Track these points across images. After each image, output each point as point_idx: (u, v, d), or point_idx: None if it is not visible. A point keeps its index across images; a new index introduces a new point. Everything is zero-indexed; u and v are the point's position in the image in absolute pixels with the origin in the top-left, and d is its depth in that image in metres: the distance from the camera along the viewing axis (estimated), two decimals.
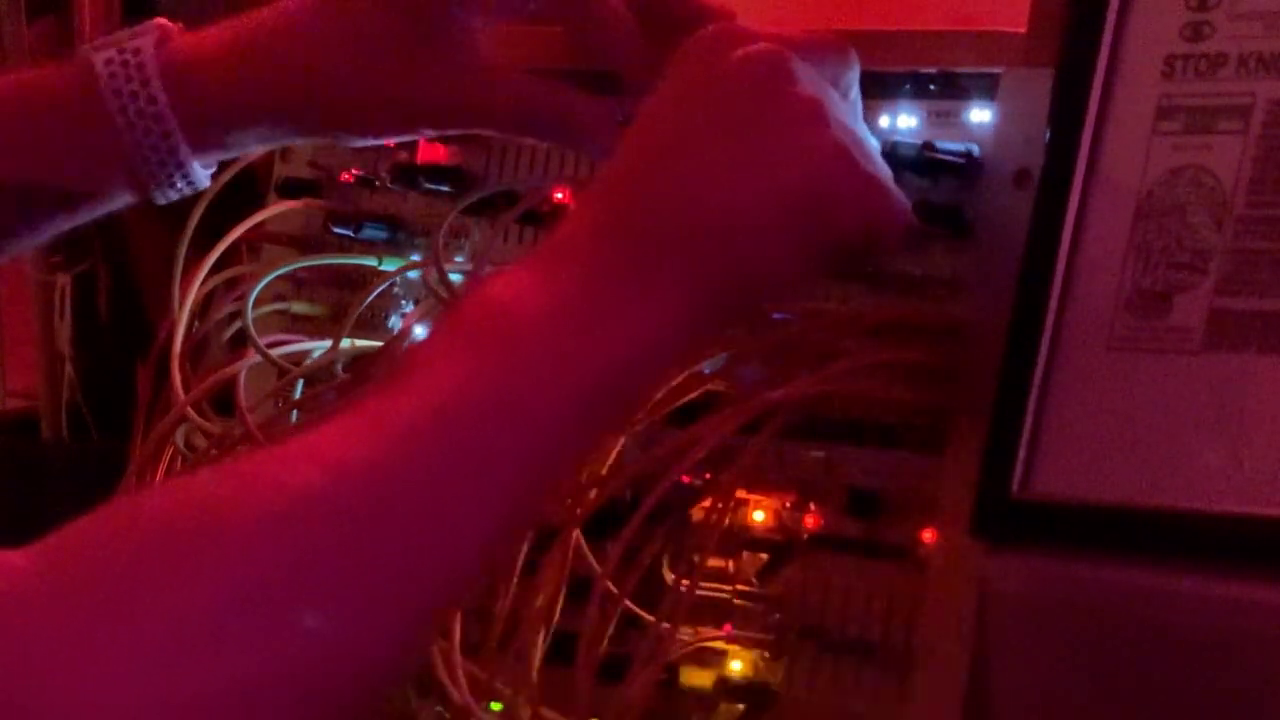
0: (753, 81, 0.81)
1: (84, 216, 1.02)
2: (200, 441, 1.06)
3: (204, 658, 0.65)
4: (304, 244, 1.14)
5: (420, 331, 1.03)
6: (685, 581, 0.88)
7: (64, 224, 1.02)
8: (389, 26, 0.96)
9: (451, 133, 1.03)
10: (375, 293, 1.07)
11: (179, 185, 0.99)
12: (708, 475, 0.90)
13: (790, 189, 0.79)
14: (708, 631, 0.92)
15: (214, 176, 1.09)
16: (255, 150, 1.03)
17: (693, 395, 0.91)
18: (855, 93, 0.88)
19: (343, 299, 1.12)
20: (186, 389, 1.06)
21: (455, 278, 1.01)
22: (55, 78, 0.99)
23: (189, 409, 1.05)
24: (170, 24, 0.98)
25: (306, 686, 0.67)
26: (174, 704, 0.64)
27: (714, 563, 0.91)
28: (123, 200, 1.00)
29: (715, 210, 0.79)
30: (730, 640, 0.93)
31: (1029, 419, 0.83)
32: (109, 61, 0.97)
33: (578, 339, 0.75)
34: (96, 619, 0.65)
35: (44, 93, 0.99)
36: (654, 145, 0.81)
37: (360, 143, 1.04)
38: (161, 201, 1.00)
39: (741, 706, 0.92)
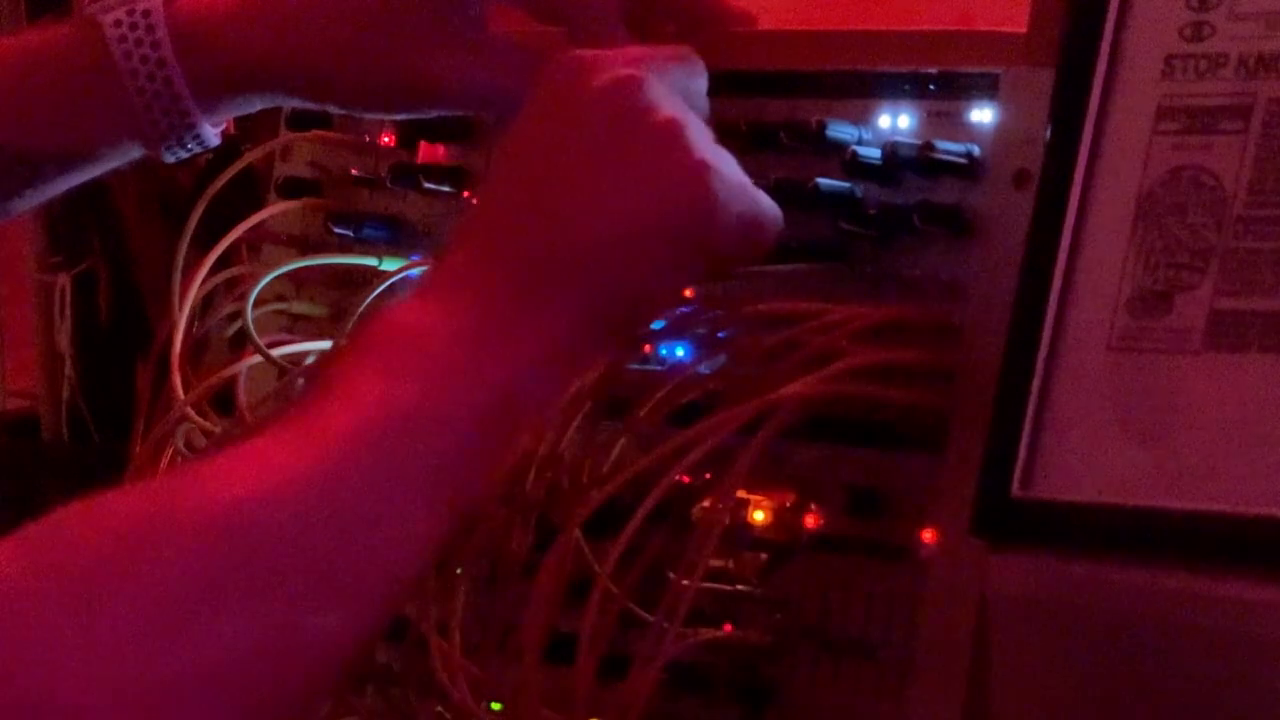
0: (613, 108, 0.83)
1: (91, 175, 1.02)
2: (200, 441, 1.06)
3: (164, 647, 0.69)
4: (304, 244, 1.14)
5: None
6: (685, 581, 0.88)
7: (72, 182, 1.02)
8: (403, 1, 0.97)
9: (458, 114, 1.03)
10: (375, 293, 1.07)
11: (189, 145, 1.00)
12: (708, 475, 0.90)
13: (655, 209, 0.82)
14: (708, 631, 0.92)
15: (214, 176, 1.09)
16: (261, 107, 1.03)
17: (693, 395, 0.91)
18: (704, 100, 0.89)
19: (343, 299, 1.12)
20: (186, 389, 1.06)
21: None
22: (61, 40, 0.99)
23: (189, 409, 1.05)
24: None
25: (258, 675, 0.71)
26: (134, 693, 0.68)
27: (714, 563, 0.91)
28: (133, 157, 1.01)
29: (586, 236, 0.82)
30: (730, 640, 0.92)
31: (1029, 419, 0.83)
32: (118, 23, 0.97)
33: (478, 358, 0.79)
34: (68, 610, 0.68)
35: (50, 56, 0.99)
36: (524, 175, 0.84)
37: (365, 115, 1.05)
38: (171, 160, 1.01)
39: (741, 706, 0.92)
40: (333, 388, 0.77)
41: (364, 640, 0.77)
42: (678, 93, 0.86)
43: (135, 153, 1.01)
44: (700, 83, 0.88)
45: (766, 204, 0.86)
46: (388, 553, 0.76)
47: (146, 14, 0.97)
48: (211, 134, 1.00)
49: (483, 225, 0.84)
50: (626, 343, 0.91)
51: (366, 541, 0.75)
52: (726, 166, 0.84)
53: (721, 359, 0.91)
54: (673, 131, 0.83)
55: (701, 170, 0.83)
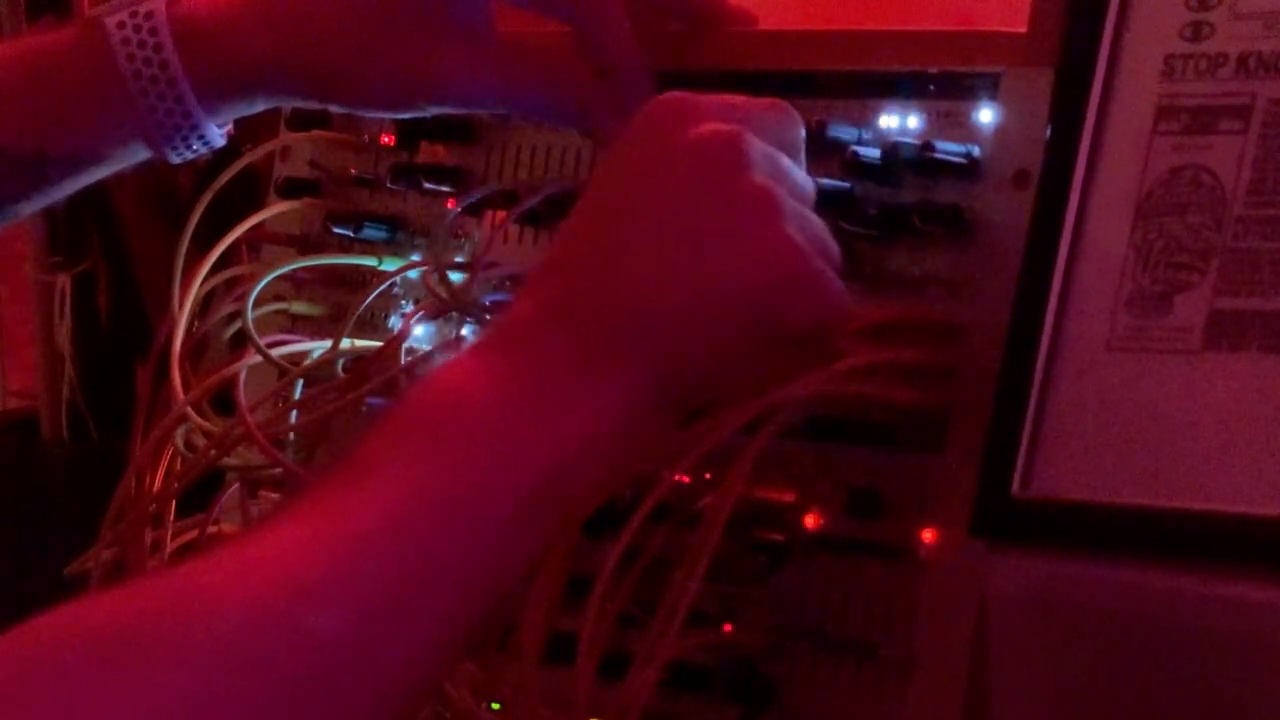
0: (707, 165, 0.80)
1: (97, 177, 1.02)
2: (200, 441, 1.06)
3: None
4: (304, 244, 1.14)
5: (420, 331, 1.03)
6: (685, 581, 0.88)
7: (78, 185, 1.02)
8: (406, 1, 0.97)
9: (465, 112, 1.03)
10: (375, 293, 1.07)
11: (194, 146, 1.00)
12: (708, 475, 0.89)
13: (739, 285, 0.78)
14: (708, 632, 0.92)
15: (214, 177, 1.09)
16: (264, 107, 1.03)
17: None
18: (801, 151, 0.86)
19: (343, 299, 1.12)
20: (186, 389, 1.06)
21: (455, 278, 1.01)
22: (65, 44, 0.99)
23: (189, 409, 1.05)
24: None
25: None
26: None
27: (714, 563, 0.91)
28: (138, 159, 1.01)
29: (662, 304, 0.78)
30: (730, 639, 0.92)
31: (1029, 419, 0.83)
32: (121, 25, 0.97)
33: (525, 439, 0.75)
34: None
35: (55, 60, 0.99)
36: (603, 223, 0.80)
37: (369, 114, 1.05)
38: (177, 161, 1.00)
39: (741, 706, 0.92)
40: (364, 470, 0.73)
41: None
42: (776, 146, 0.82)
43: (141, 154, 1.01)
44: (797, 133, 0.85)
45: (841, 291, 0.82)
46: (416, 656, 0.72)
47: (149, 16, 0.97)
48: (217, 134, 1.00)
49: (551, 273, 0.80)
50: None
51: (393, 648, 0.70)
52: (813, 244, 0.80)
53: None
54: (766, 200, 0.79)
55: (791, 249, 0.79)
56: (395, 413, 0.77)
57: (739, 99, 0.84)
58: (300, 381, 1.07)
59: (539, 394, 0.76)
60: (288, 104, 1.07)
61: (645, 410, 0.78)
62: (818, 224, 0.83)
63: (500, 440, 0.75)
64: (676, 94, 0.83)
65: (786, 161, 0.83)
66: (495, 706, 0.93)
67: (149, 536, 1.06)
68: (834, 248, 0.83)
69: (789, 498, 0.93)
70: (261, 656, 0.67)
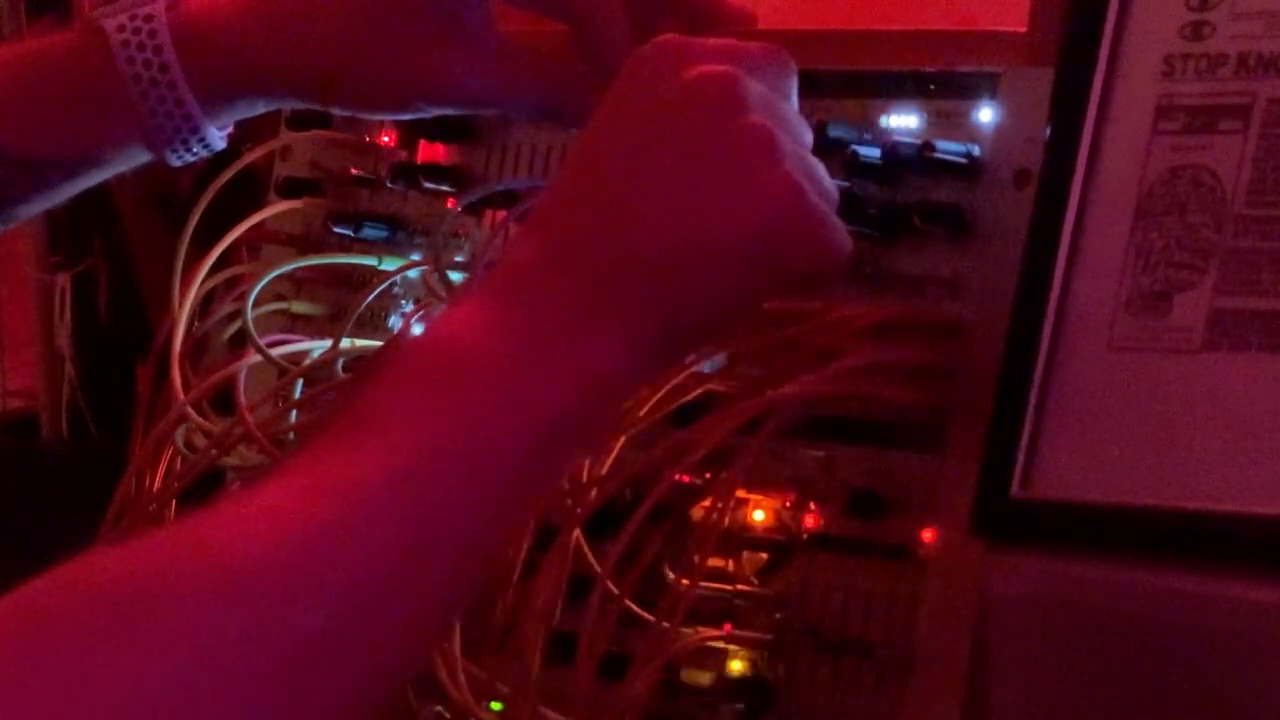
0: (704, 106, 0.79)
1: (97, 179, 1.02)
2: (200, 441, 1.06)
3: None
4: (304, 244, 1.14)
5: (419, 331, 1.03)
6: (685, 581, 0.88)
7: (79, 187, 1.02)
8: (406, 1, 0.97)
9: (465, 112, 1.03)
10: (375, 293, 1.07)
11: (194, 149, 1.00)
12: (708, 475, 0.90)
13: (740, 225, 0.78)
14: (708, 631, 0.92)
15: (214, 177, 1.09)
16: (265, 109, 1.03)
17: (693, 395, 0.91)
18: (794, 100, 0.85)
19: (343, 299, 1.12)
20: (186, 389, 1.06)
21: (455, 278, 1.01)
22: (65, 46, 0.99)
23: (189, 409, 1.05)
24: None
25: None
26: None
27: (714, 563, 0.91)
28: (138, 162, 1.00)
29: (663, 244, 0.77)
30: (730, 640, 0.93)
31: (1029, 419, 0.83)
32: (121, 28, 0.97)
33: (527, 386, 0.74)
34: (55, 685, 0.63)
35: (55, 63, 0.99)
36: (601, 167, 0.80)
37: (369, 116, 1.05)
38: (177, 164, 1.00)
39: (741, 706, 0.92)
40: (362, 423, 0.72)
41: (383, 699, 0.72)
42: (771, 88, 0.81)
43: (141, 157, 1.01)
44: (791, 77, 0.84)
45: (841, 232, 0.81)
46: (413, 616, 0.71)
47: (149, 19, 0.97)
48: (217, 137, 1.00)
49: (553, 221, 0.79)
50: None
51: (392, 605, 0.70)
52: (812, 185, 0.79)
53: (721, 359, 0.91)
54: (765, 140, 0.78)
55: (791, 189, 0.78)
56: (396, 362, 0.76)
57: (733, 42, 0.83)
58: (300, 381, 1.07)
59: (539, 341, 0.75)
60: (288, 105, 1.07)
61: (647, 354, 0.77)
62: (816, 165, 0.81)
63: (500, 390, 0.74)
64: (670, 36, 0.82)
65: (783, 103, 0.82)
66: (495, 706, 0.93)
67: None
68: (832, 189, 0.82)
69: (789, 498, 0.93)
70: (264, 609, 0.66)
